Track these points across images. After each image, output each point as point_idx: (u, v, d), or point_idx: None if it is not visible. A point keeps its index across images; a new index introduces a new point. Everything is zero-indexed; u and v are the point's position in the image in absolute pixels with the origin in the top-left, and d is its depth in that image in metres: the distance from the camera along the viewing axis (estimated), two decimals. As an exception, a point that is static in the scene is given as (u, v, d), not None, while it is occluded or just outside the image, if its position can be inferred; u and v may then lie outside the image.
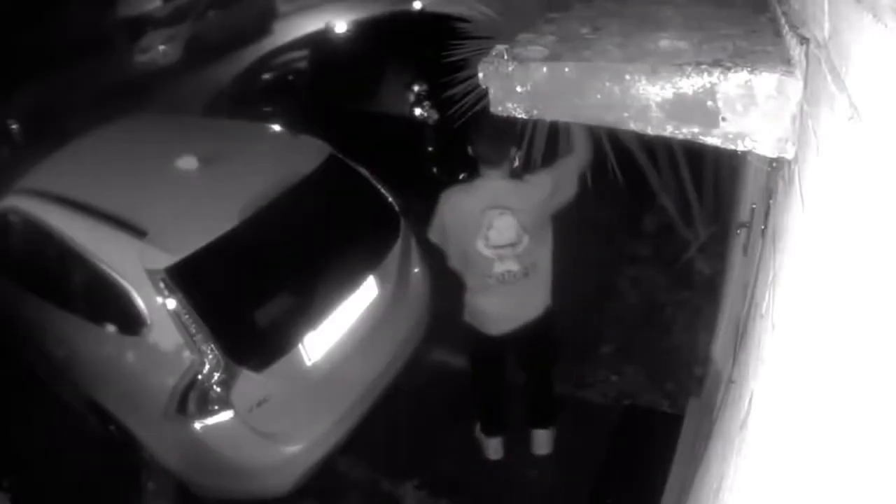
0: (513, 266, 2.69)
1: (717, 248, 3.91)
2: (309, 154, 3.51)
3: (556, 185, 2.64)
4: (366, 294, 3.32)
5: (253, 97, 5.82)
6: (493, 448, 3.35)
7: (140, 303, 2.83)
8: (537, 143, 3.85)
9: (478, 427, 3.40)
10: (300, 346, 2.99)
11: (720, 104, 0.97)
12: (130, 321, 2.89)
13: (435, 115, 4.58)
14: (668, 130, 1.04)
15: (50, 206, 3.31)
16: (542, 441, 3.29)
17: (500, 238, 2.62)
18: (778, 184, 1.25)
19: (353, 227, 3.49)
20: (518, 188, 2.64)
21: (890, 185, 0.50)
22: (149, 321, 2.83)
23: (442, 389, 3.78)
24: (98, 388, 3.30)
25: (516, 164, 2.76)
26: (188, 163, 3.23)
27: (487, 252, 2.66)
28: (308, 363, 3.03)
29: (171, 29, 13.08)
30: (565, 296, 3.06)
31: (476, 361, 3.18)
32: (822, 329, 0.68)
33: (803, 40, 0.87)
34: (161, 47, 12.84)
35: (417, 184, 4.65)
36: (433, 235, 2.84)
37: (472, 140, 2.63)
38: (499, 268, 2.69)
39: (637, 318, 4.07)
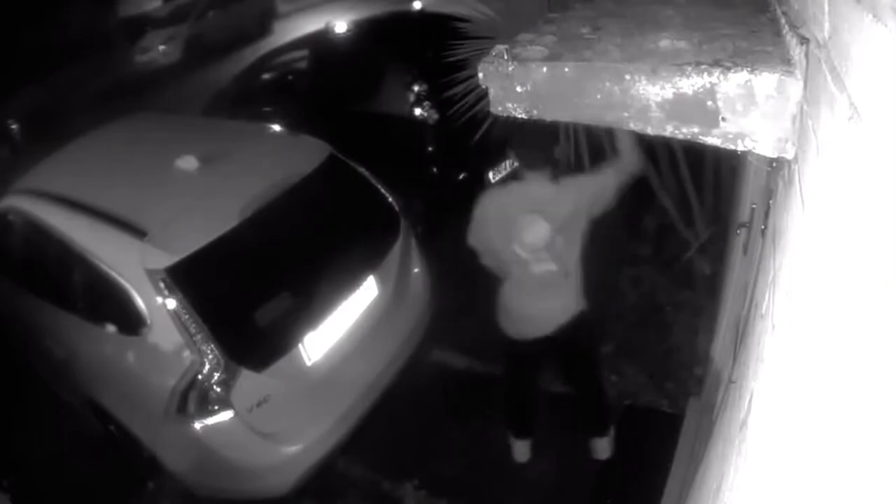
0: (551, 266, 2.68)
1: (717, 248, 3.91)
2: (309, 154, 3.51)
3: (596, 191, 2.63)
4: (366, 294, 3.32)
5: (253, 97, 5.82)
6: (521, 451, 3.31)
7: (140, 303, 2.83)
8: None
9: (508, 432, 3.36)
10: (300, 346, 2.99)
11: (720, 104, 0.97)
12: (130, 321, 2.89)
13: (435, 115, 4.58)
14: (668, 130, 1.03)
15: (50, 206, 3.31)
16: (602, 447, 3.23)
17: (533, 240, 2.62)
18: (778, 184, 1.25)
19: (353, 227, 3.49)
20: (554, 192, 2.63)
21: (890, 185, 0.50)
22: (149, 321, 2.83)
23: (442, 389, 3.78)
24: (98, 388, 3.30)
25: (556, 167, 2.75)
26: (188, 163, 3.23)
27: (523, 253, 2.66)
28: (308, 363, 3.03)
29: (171, 29, 13.09)
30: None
31: (511, 365, 3.14)
32: (821, 329, 0.68)
33: (803, 40, 0.87)
34: (161, 47, 12.85)
35: (417, 184, 4.66)
36: (472, 239, 2.81)
37: (512, 144, 2.63)
38: (536, 269, 2.68)
39: (637, 318, 4.07)
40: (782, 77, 0.91)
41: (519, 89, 1.17)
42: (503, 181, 4.85)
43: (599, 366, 3.24)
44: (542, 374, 3.21)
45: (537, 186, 2.63)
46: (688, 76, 0.98)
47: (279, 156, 3.59)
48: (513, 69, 1.16)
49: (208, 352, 2.75)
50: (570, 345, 2.96)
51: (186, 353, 2.76)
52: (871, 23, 0.54)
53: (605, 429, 3.21)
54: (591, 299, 2.90)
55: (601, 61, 1.08)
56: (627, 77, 1.03)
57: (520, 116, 1.21)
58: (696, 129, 1.01)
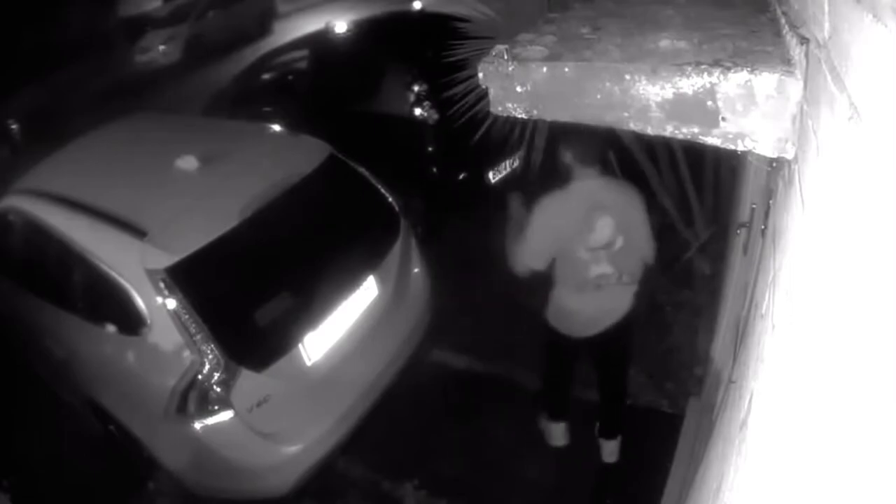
0: (607, 269, 2.67)
1: (717, 248, 3.91)
2: (309, 154, 3.51)
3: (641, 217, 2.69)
4: (366, 294, 3.32)
5: (253, 97, 5.82)
6: (558, 434, 3.33)
7: (140, 303, 2.83)
8: (537, 145, 3.85)
9: (543, 416, 3.38)
10: (300, 346, 2.99)
11: (720, 104, 0.97)
12: (130, 321, 2.89)
13: (435, 115, 4.58)
14: (668, 130, 1.03)
15: (50, 206, 3.31)
16: (611, 450, 3.24)
17: (599, 239, 2.61)
18: (778, 184, 1.25)
19: (353, 227, 3.48)
20: (612, 186, 2.66)
21: (890, 185, 0.50)
22: (149, 321, 2.83)
23: (442, 389, 3.78)
24: (98, 388, 3.30)
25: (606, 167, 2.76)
26: (188, 163, 3.23)
27: (585, 255, 2.64)
28: (308, 363, 3.03)
29: (171, 29, 13.08)
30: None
31: (552, 357, 3.16)
32: (821, 329, 0.68)
33: (803, 40, 0.87)
34: (161, 47, 12.85)
35: (417, 184, 4.66)
36: (530, 253, 2.67)
37: (562, 145, 2.60)
38: (594, 270, 2.67)
39: (637, 318, 4.06)
40: (782, 77, 0.91)
41: (519, 89, 1.17)
42: (505, 180, 4.86)
43: (628, 370, 3.24)
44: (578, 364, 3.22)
45: (599, 184, 2.61)
46: (688, 76, 0.98)
47: (279, 156, 3.59)
48: (513, 69, 1.16)
49: (208, 352, 2.75)
50: (611, 345, 2.96)
51: (186, 353, 2.76)
52: (871, 23, 0.54)
53: (618, 432, 3.22)
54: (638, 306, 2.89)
55: (601, 61, 1.08)
56: (627, 77, 1.03)
57: (520, 116, 1.21)
58: (696, 129, 1.01)
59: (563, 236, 2.63)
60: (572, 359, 3.13)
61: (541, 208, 2.64)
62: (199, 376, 2.75)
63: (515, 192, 2.86)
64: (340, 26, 5.52)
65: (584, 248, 2.62)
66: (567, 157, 2.58)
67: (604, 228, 2.59)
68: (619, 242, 2.62)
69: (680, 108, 1.00)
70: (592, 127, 2.48)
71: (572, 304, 2.82)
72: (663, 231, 4.49)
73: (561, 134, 2.61)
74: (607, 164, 3.27)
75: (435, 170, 4.78)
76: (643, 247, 2.74)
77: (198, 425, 2.80)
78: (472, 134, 3.55)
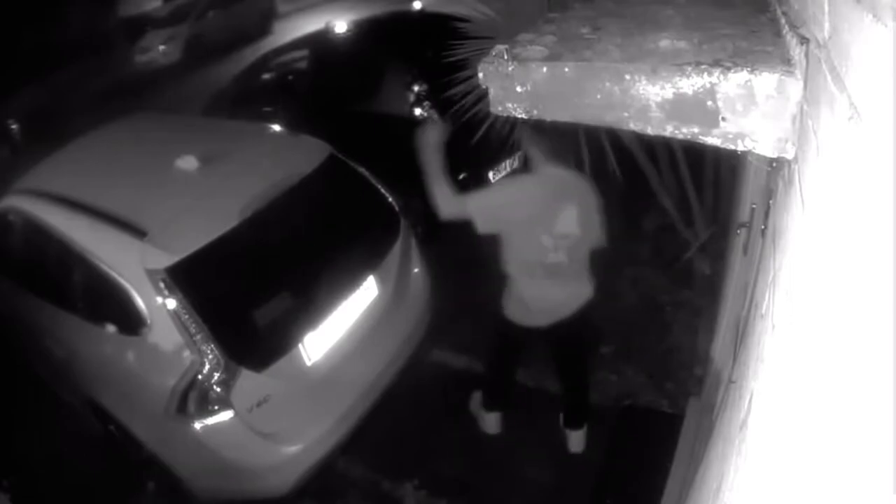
0: (563, 258, 2.73)
1: (717, 248, 3.91)
2: (309, 154, 3.51)
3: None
4: (366, 294, 3.32)
5: (253, 97, 5.82)
6: (492, 423, 3.44)
7: (140, 303, 2.83)
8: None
9: (477, 401, 3.47)
10: (300, 346, 2.99)
11: (720, 104, 0.97)
12: (130, 321, 2.89)
13: (435, 115, 4.58)
14: (668, 130, 1.03)
15: (50, 206, 3.31)
16: (577, 440, 3.33)
17: (563, 228, 2.67)
18: (778, 184, 1.25)
19: (353, 227, 3.49)
20: (583, 182, 2.76)
21: (890, 185, 0.50)
22: (149, 321, 2.83)
23: (442, 389, 3.78)
24: (98, 388, 3.30)
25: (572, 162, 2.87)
26: (188, 163, 3.23)
27: (547, 241, 2.68)
28: (308, 363, 3.03)
29: (171, 29, 13.08)
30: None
31: (498, 343, 3.24)
32: (821, 329, 0.68)
33: (803, 40, 0.87)
34: (161, 47, 12.85)
35: (417, 184, 4.65)
36: (488, 224, 2.70)
37: (530, 140, 2.66)
38: (552, 258, 2.72)
39: (637, 318, 4.07)
40: (782, 77, 0.91)
41: (519, 89, 1.17)
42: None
43: (590, 360, 3.32)
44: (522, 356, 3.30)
45: (567, 174, 2.69)
46: (688, 76, 0.98)
47: (279, 156, 3.59)
48: (513, 69, 1.16)
49: (208, 352, 2.75)
50: (567, 336, 3.02)
51: (186, 353, 2.76)
52: (871, 23, 0.54)
53: (583, 421, 3.31)
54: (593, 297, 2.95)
55: (601, 61, 1.08)
56: (627, 77, 1.03)
57: (520, 116, 1.21)
58: (696, 129, 1.01)
59: (521, 220, 2.67)
60: (518, 349, 3.22)
61: (498, 187, 2.78)
62: (199, 376, 2.75)
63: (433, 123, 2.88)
64: (340, 26, 5.53)
65: (549, 234, 2.67)
66: (534, 152, 2.66)
67: (568, 218, 2.66)
68: (578, 233, 2.70)
69: (680, 108, 1.00)
70: (562, 127, 2.48)
71: (525, 291, 2.86)
72: (663, 231, 4.51)
73: (532, 130, 2.64)
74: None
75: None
76: (595, 238, 2.82)
77: (198, 425, 2.80)
78: (472, 134, 3.55)
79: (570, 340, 3.09)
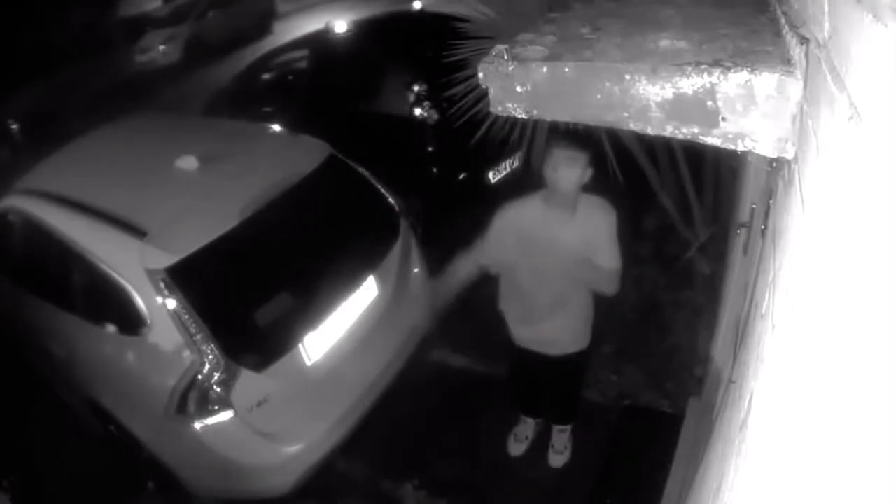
0: (564, 285, 2.66)
1: (717, 248, 3.91)
2: (309, 154, 3.51)
3: (604, 264, 2.58)
4: (366, 294, 3.32)
5: (253, 97, 5.82)
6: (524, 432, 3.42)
7: (140, 303, 2.83)
8: (537, 147, 3.85)
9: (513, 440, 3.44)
10: (300, 346, 2.99)
11: (720, 104, 0.97)
12: (130, 321, 2.89)
13: (435, 115, 4.58)
14: (668, 130, 1.03)
15: (50, 206, 3.31)
16: (560, 444, 3.34)
17: (541, 266, 2.59)
18: (778, 184, 1.25)
19: (353, 227, 3.49)
20: (586, 201, 2.55)
21: (890, 185, 0.50)
22: (149, 321, 2.83)
23: (442, 389, 3.78)
24: (98, 388, 3.30)
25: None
26: (188, 163, 3.23)
27: (530, 278, 2.65)
28: (308, 363, 3.03)
29: (171, 29, 13.08)
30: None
31: (516, 359, 3.17)
32: (821, 329, 0.68)
33: (803, 40, 0.87)
34: (161, 47, 12.84)
35: (417, 184, 4.66)
36: (486, 256, 2.69)
37: (553, 138, 2.46)
38: (553, 286, 2.65)
39: (637, 318, 4.07)
40: (782, 77, 0.91)
41: (519, 89, 1.17)
42: (505, 180, 4.86)
43: (581, 389, 3.30)
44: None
45: (558, 212, 2.51)
46: (688, 76, 0.98)
47: (279, 156, 3.59)
48: (513, 69, 1.16)
49: (208, 352, 2.75)
50: (562, 374, 3.04)
51: (186, 353, 2.76)
52: (871, 23, 0.54)
53: (570, 419, 3.32)
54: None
55: (601, 61, 1.08)
56: (627, 77, 1.03)
57: (520, 116, 1.21)
58: (696, 129, 1.01)
59: (511, 250, 2.61)
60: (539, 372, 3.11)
61: (496, 218, 2.64)
62: (199, 376, 2.75)
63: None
64: (340, 26, 5.52)
65: (529, 271, 2.62)
66: (549, 170, 2.44)
67: (570, 241, 2.52)
68: (581, 258, 2.56)
69: (680, 108, 1.00)
70: (575, 146, 2.35)
71: (519, 317, 2.86)
72: (663, 231, 4.51)
73: (544, 154, 2.50)
74: (606, 164, 3.26)
75: (435, 170, 4.78)
76: (606, 265, 2.60)
77: (198, 425, 2.80)
78: (472, 134, 3.55)
79: (561, 376, 3.08)
